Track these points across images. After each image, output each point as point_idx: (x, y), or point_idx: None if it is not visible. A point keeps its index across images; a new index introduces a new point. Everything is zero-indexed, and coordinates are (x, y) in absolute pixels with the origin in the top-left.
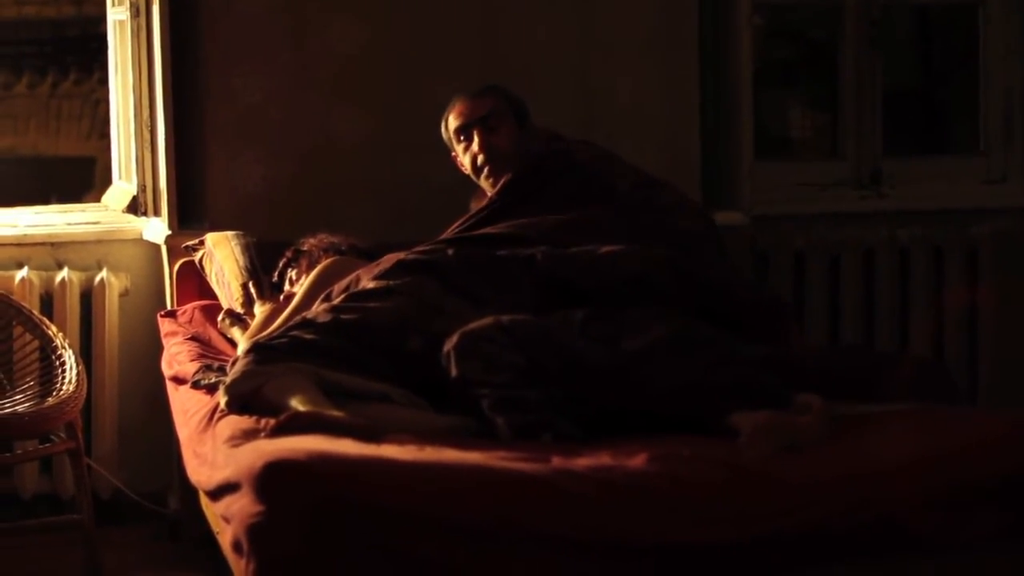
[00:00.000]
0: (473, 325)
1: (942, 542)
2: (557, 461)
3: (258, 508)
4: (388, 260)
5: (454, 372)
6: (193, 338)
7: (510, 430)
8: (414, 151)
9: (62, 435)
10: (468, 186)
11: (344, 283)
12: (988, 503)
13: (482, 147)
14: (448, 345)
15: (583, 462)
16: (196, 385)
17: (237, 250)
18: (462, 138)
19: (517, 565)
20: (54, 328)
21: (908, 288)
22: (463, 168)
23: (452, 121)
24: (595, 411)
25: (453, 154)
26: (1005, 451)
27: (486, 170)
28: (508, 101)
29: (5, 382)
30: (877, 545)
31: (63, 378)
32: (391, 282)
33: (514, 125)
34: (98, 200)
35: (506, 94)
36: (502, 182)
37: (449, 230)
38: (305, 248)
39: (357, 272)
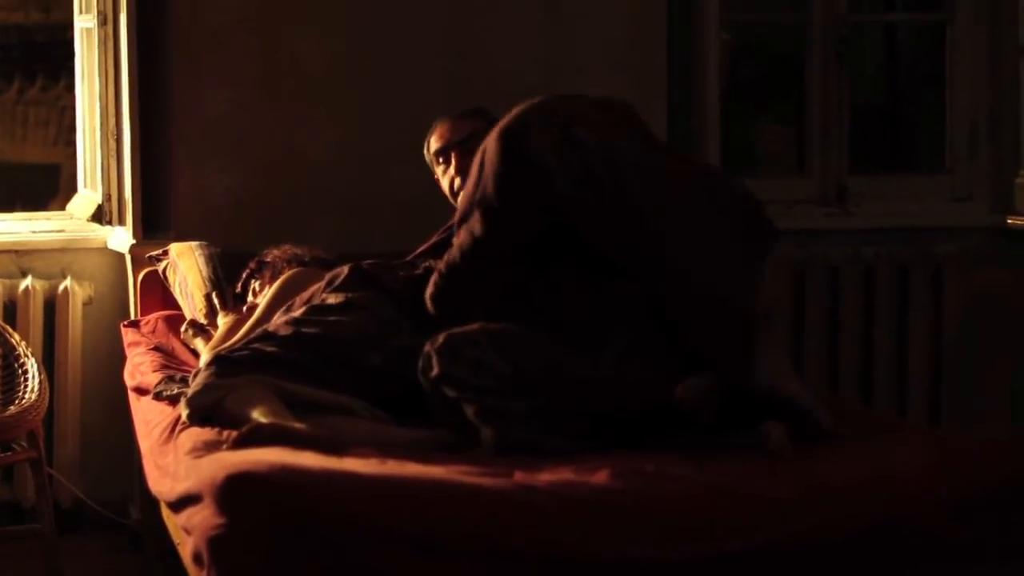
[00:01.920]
0: (458, 329)
1: (915, 559)
2: (519, 476)
3: (219, 520)
4: (343, 268)
5: (435, 371)
6: (156, 348)
7: (495, 444)
8: (380, 164)
9: (23, 444)
10: (433, 199)
11: (306, 295)
12: (966, 522)
13: (458, 171)
14: (430, 346)
15: (545, 477)
16: (158, 396)
17: (201, 260)
18: (441, 160)
19: None
20: (17, 336)
21: (872, 305)
22: (444, 190)
23: (433, 143)
24: (583, 420)
25: (436, 176)
26: (983, 466)
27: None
28: (489, 125)
29: None
30: (846, 563)
31: (25, 386)
32: (350, 295)
33: None
34: (63, 207)
35: (488, 117)
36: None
37: (413, 254)
38: (268, 259)
39: (319, 284)
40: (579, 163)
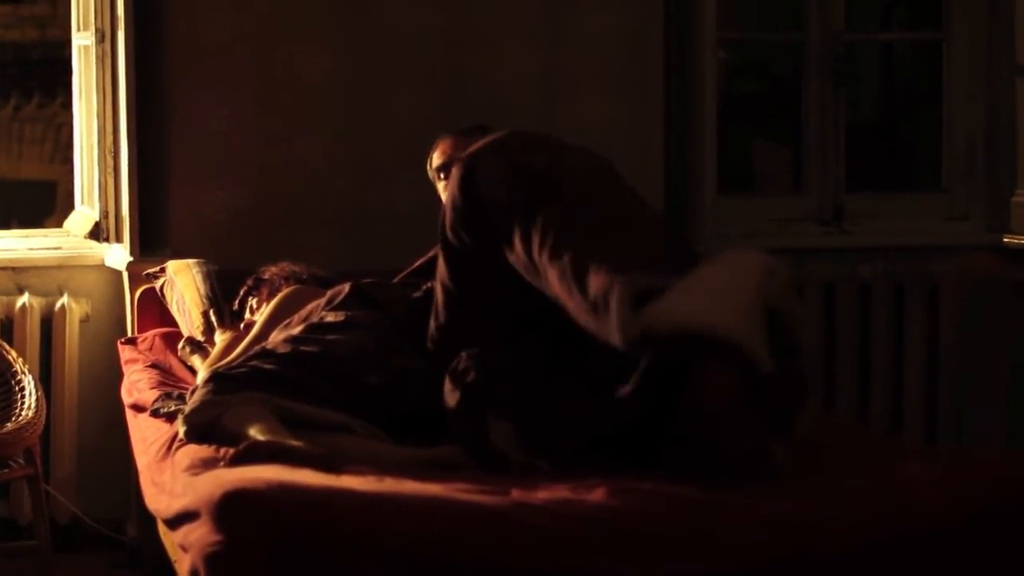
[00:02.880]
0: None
1: (918, 573)
2: (516, 494)
3: (216, 537)
4: (344, 287)
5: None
6: (153, 366)
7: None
8: (378, 180)
9: (20, 461)
10: (432, 214)
11: (304, 313)
12: (968, 536)
13: None
14: (468, 365)
15: (542, 495)
16: (155, 413)
17: (198, 278)
18: (442, 176)
19: None
20: (14, 353)
21: (869, 323)
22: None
23: (435, 159)
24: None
25: (438, 192)
26: (986, 481)
27: None
28: None
29: None
30: None
31: (22, 403)
32: (350, 314)
33: None
34: (59, 224)
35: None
36: None
37: (409, 268)
38: (266, 276)
39: (318, 302)
40: (525, 189)
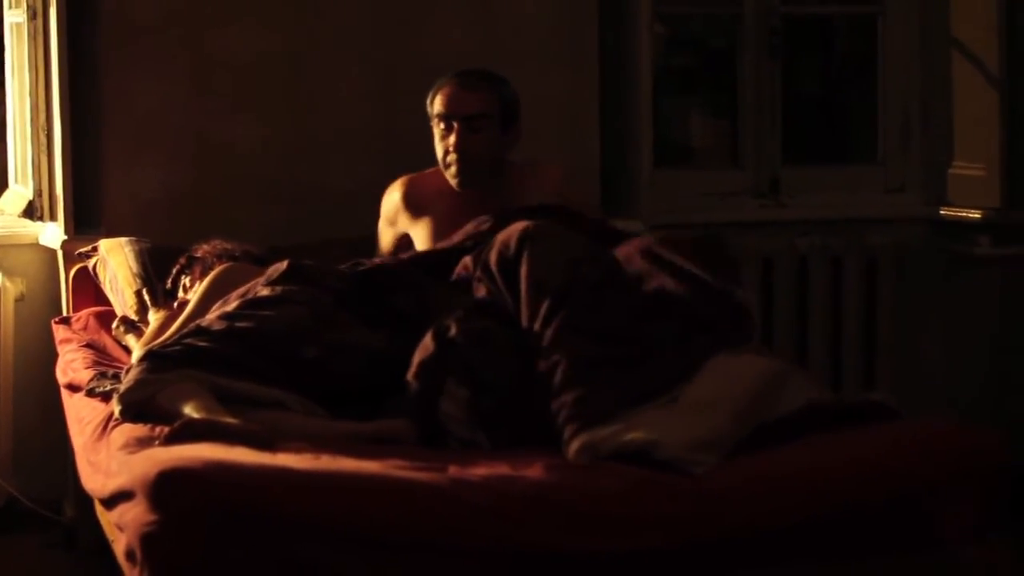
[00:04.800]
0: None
1: (857, 550)
2: (453, 470)
3: (152, 517)
4: (281, 264)
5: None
6: (88, 345)
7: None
8: (311, 157)
9: None
10: (367, 191)
11: (242, 290)
12: (912, 508)
13: (456, 147)
14: (454, 324)
15: (480, 471)
16: (91, 393)
17: (131, 256)
18: (442, 125)
19: (415, 575)
20: None
21: (806, 296)
22: (436, 151)
23: (437, 103)
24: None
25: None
26: (926, 458)
27: (452, 169)
28: (501, 102)
29: None
30: (786, 554)
31: None
32: (285, 288)
33: (497, 131)
34: None
35: (501, 93)
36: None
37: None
38: (199, 255)
39: (256, 280)
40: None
